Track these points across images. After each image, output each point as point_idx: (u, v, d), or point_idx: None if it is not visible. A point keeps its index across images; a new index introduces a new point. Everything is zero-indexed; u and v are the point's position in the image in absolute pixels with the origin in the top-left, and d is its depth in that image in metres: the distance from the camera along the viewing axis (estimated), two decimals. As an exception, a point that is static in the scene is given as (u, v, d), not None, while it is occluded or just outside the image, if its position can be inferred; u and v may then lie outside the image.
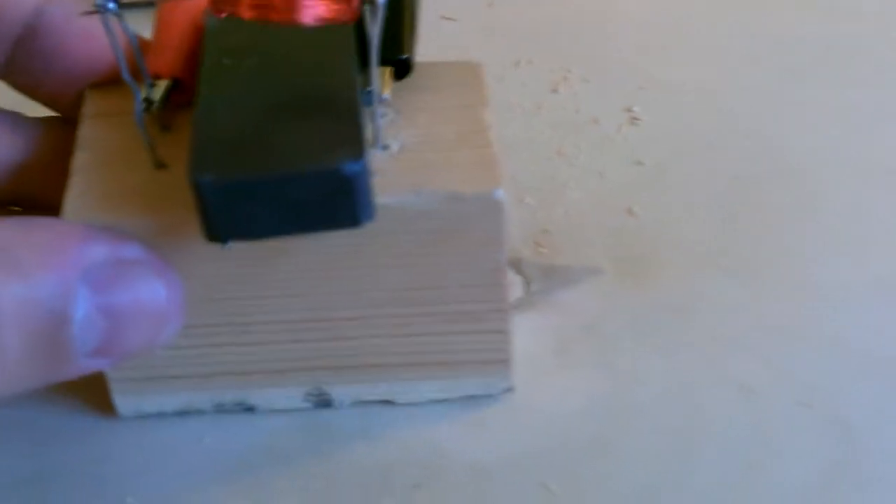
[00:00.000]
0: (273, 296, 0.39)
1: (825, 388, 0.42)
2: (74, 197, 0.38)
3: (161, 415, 0.42)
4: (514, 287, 0.46)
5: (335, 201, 0.35)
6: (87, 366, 0.35)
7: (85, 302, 0.34)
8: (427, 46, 0.42)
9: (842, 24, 0.61)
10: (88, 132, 0.40)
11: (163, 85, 0.40)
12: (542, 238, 0.49)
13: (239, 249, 0.36)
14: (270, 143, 0.35)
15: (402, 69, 0.40)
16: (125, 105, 0.41)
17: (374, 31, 0.36)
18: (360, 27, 0.38)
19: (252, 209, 0.35)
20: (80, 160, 0.39)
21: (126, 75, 0.37)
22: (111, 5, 0.36)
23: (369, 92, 0.38)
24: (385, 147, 0.38)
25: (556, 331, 0.45)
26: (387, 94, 0.38)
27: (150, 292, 0.36)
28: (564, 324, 0.45)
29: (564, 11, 0.63)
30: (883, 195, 0.50)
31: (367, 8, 0.36)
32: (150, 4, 0.42)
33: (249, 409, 0.42)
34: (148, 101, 0.39)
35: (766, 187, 0.51)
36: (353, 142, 0.35)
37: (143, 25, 0.41)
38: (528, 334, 0.44)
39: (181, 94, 0.40)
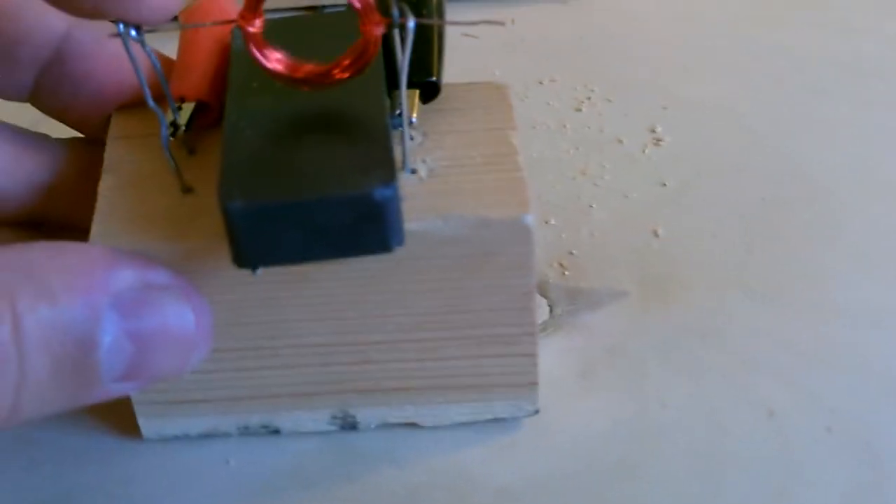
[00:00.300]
0: (300, 320, 0.39)
1: (850, 411, 0.42)
2: (101, 221, 0.38)
3: (186, 437, 0.42)
4: (539, 310, 0.46)
5: (365, 226, 0.35)
6: (114, 390, 0.35)
7: (113, 327, 0.34)
8: (449, 64, 0.42)
9: (865, 42, 0.61)
10: (115, 154, 0.40)
11: (188, 108, 0.40)
12: (567, 260, 0.48)
13: (267, 274, 0.36)
14: (300, 167, 0.35)
15: (429, 92, 0.40)
16: (151, 126, 0.41)
17: (404, 54, 0.36)
18: (387, 50, 0.38)
19: (282, 234, 0.35)
20: (107, 183, 0.39)
21: (150, 101, 0.37)
22: (133, 32, 0.36)
23: (398, 115, 0.38)
24: (413, 171, 0.38)
25: (581, 353, 0.45)
26: (415, 117, 0.38)
27: (179, 318, 0.35)
28: (589, 346, 0.45)
29: (586, 29, 0.63)
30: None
31: (395, 31, 0.36)
32: (174, 26, 0.42)
33: (275, 432, 0.42)
34: (174, 125, 0.39)
35: (791, 208, 0.51)
36: (384, 166, 0.35)
37: (168, 46, 0.42)
38: (553, 357, 0.44)
39: (207, 116, 0.40)
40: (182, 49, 0.41)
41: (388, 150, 0.35)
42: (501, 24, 0.37)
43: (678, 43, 0.61)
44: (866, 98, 0.57)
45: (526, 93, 0.58)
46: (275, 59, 0.37)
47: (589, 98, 0.57)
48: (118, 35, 0.35)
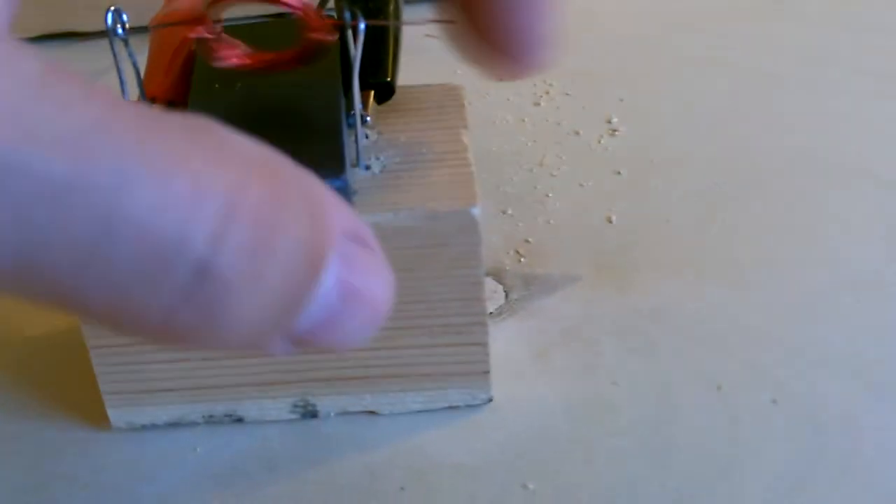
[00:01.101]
0: (261, 310, 0.40)
1: (798, 387, 0.44)
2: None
3: (153, 426, 0.43)
4: (495, 296, 0.48)
5: None
6: (284, 345, 0.28)
7: (335, 269, 0.28)
8: (411, 64, 0.43)
9: (817, 29, 0.63)
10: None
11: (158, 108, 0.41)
12: (523, 248, 0.50)
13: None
14: None
15: (384, 92, 0.42)
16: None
17: (356, 55, 0.38)
18: (344, 51, 0.40)
19: None
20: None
21: (127, 99, 0.39)
22: (119, 31, 0.37)
23: (352, 114, 0.39)
24: (367, 167, 0.40)
25: (536, 336, 0.46)
26: (369, 116, 0.40)
27: (382, 285, 0.29)
28: (544, 329, 0.47)
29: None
30: (858, 200, 0.52)
31: (348, 32, 0.38)
32: (144, 28, 0.43)
33: (239, 420, 0.43)
34: None
35: (743, 194, 0.52)
36: (334, 160, 0.36)
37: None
38: (508, 340, 0.46)
39: None
40: (152, 50, 0.43)
41: (340, 145, 0.37)
42: (453, 22, 0.39)
43: (638, 38, 0.63)
44: (819, 85, 0.59)
45: (487, 90, 0.59)
46: (233, 56, 0.38)
47: (547, 92, 0.59)
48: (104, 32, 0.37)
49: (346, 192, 0.36)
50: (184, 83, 0.42)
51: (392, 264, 0.39)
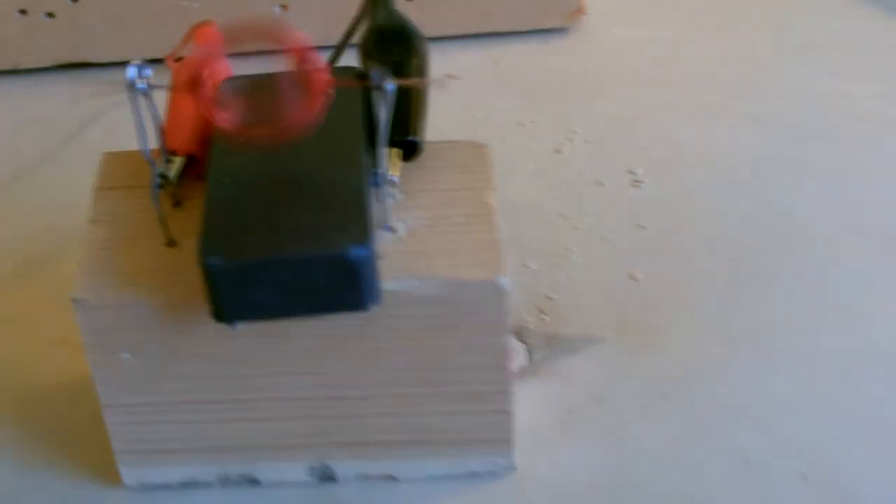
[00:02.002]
0: (279, 373, 0.39)
1: (826, 458, 0.42)
2: (86, 274, 0.38)
3: (166, 486, 0.42)
4: (518, 355, 0.47)
5: (341, 285, 0.35)
6: None
7: None
8: (432, 105, 0.42)
9: (851, 84, 0.62)
10: (102, 206, 0.41)
11: (178, 162, 0.41)
12: (546, 305, 0.49)
13: (246, 329, 0.37)
14: (279, 225, 0.36)
15: (410, 151, 0.41)
16: (138, 178, 0.42)
17: (383, 115, 0.37)
18: (368, 108, 0.39)
19: (259, 291, 0.35)
20: (94, 235, 0.40)
21: (147, 154, 0.38)
22: (141, 85, 0.37)
23: (377, 173, 0.38)
24: (392, 229, 0.39)
25: (559, 400, 0.45)
26: (395, 175, 0.39)
27: None
28: (567, 393, 0.46)
29: (568, 69, 0.63)
30: (889, 263, 0.50)
31: (376, 93, 0.37)
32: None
33: (254, 482, 0.42)
34: (164, 178, 0.40)
35: (769, 252, 0.51)
36: (360, 226, 0.35)
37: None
38: (531, 404, 0.45)
39: (195, 169, 0.41)
40: (172, 104, 0.42)
41: (365, 210, 0.36)
42: (444, 86, 0.38)
43: (659, 84, 0.62)
44: (851, 141, 0.58)
45: (506, 135, 0.58)
46: (223, 119, 0.37)
47: (570, 139, 0.58)
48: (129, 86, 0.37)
49: (371, 260, 0.35)
50: (204, 138, 0.42)
51: (415, 331, 0.38)
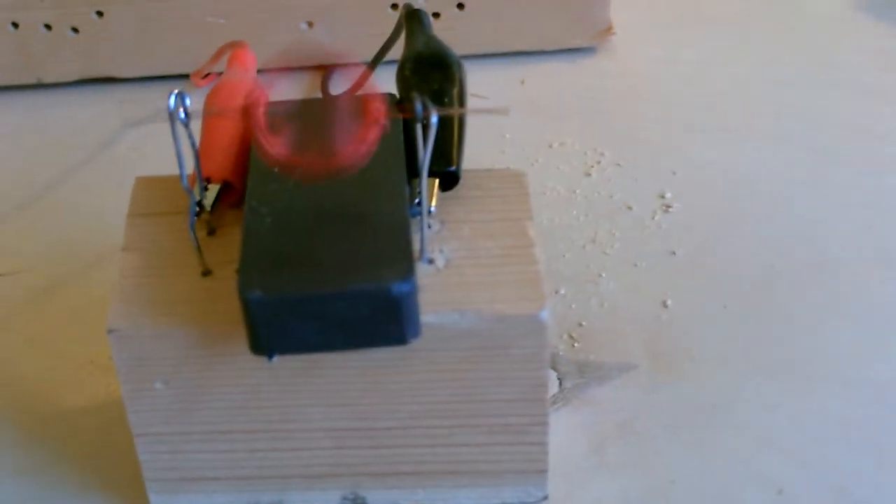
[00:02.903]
0: (314, 405, 0.39)
1: (860, 489, 0.42)
2: (122, 302, 0.38)
3: (197, 514, 0.42)
4: (549, 383, 0.46)
5: (382, 319, 0.35)
6: None
7: None
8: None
9: (880, 105, 0.61)
10: (134, 233, 0.41)
11: (214, 190, 0.40)
12: (577, 332, 0.49)
13: (282, 360, 0.37)
14: (319, 258, 0.36)
15: (449, 180, 0.40)
16: (170, 204, 0.42)
17: (426, 148, 0.36)
18: (408, 138, 0.39)
19: (299, 324, 0.35)
20: (127, 263, 0.40)
21: (185, 182, 0.38)
22: (181, 115, 0.36)
23: (417, 204, 0.38)
24: (430, 261, 0.38)
25: (591, 428, 0.45)
26: (433, 206, 0.39)
27: None
28: (599, 421, 0.45)
29: (595, 90, 0.63)
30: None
31: (418, 126, 0.37)
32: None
33: (286, 512, 0.42)
34: (199, 205, 0.40)
35: (800, 278, 0.51)
36: (402, 261, 0.35)
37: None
38: (563, 433, 0.44)
39: (229, 196, 0.41)
40: (206, 130, 0.42)
41: (407, 244, 0.36)
42: (505, 114, 0.38)
43: (686, 104, 0.62)
44: (881, 163, 0.57)
45: (536, 157, 0.58)
46: (275, 148, 0.37)
47: (599, 162, 0.58)
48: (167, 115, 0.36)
49: (412, 295, 0.35)
50: (240, 164, 0.41)
51: (453, 363, 0.38)
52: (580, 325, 0.49)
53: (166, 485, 0.41)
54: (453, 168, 0.40)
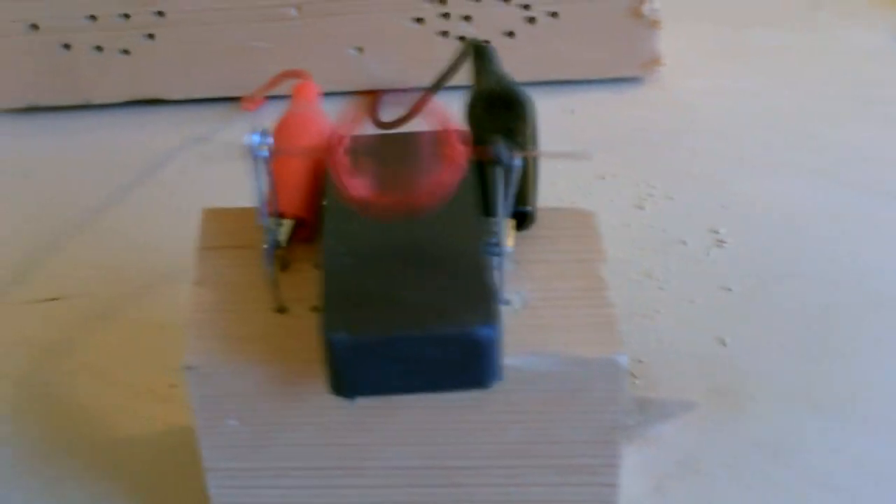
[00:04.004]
0: (389, 443, 0.39)
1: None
2: (198, 339, 0.38)
3: (268, 549, 0.42)
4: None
5: (465, 363, 0.35)
6: None
7: None
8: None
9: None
10: (206, 267, 0.41)
11: (288, 225, 0.40)
12: (637, 368, 0.49)
13: (361, 400, 0.37)
14: (402, 300, 0.36)
15: (523, 221, 0.40)
16: (240, 237, 0.42)
17: (508, 191, 0.36)
18: (482, 177, 0.39)
19: (381, 366, 0.35)
20: (200, 298, 0.40)
21: (265, 218, 0.38)
22: (263, 152, 0.37)
23: (493, 244, 0.38)
24: (506, 302, 0.39)
25: (653, 467, 0.45)
26: (510, 246, 0.39)
27: None
28: (660, 459, 0.45)
29: (643, 121, 0.63)
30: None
31: (497, 169, 0.37)
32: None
33: (356, 548, 0.42)
34: (274, 242, 0.40)
35: (858, 316, 0.51)
36: (487, 304, 0.35)
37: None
38: (626, 471, 0.44)
39: (302, 231, 0.41)
40: (278, 165, 0.42)
41: (490, 286, 0.36)
42: (589, 158, 0.38)
43: (735, 137, 0.62)
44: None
45: (589, 188, 0.58)
46: (358, 186, 0.37)
47: (650, 195, 0.58)
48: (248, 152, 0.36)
49: (496, 339, 0.35)
50: (312, 200, 0.41)
51: (530, 405, 0.38)
52: (639, 361, 0.49)
53: (238, 520, 0.41)
54: (529, 209, 0.40)
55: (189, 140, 0.64)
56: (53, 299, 0.54)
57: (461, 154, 0.36)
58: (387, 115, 0.62)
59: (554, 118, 0.63)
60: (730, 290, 0.53)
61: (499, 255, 0.38)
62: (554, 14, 0.64)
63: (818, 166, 0.60)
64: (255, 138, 0.37)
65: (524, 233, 0.41)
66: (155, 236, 0.58)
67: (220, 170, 0.62)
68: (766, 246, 0.55)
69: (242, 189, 0.57)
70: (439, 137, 0.36)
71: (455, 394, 0.37)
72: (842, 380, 0.48)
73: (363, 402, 0.38)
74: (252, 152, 0.37)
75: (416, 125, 0.40)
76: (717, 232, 0.56)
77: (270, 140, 0.37)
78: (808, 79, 0.66)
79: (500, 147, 0.36)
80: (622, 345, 0.37)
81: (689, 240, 0.55)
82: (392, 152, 0.40)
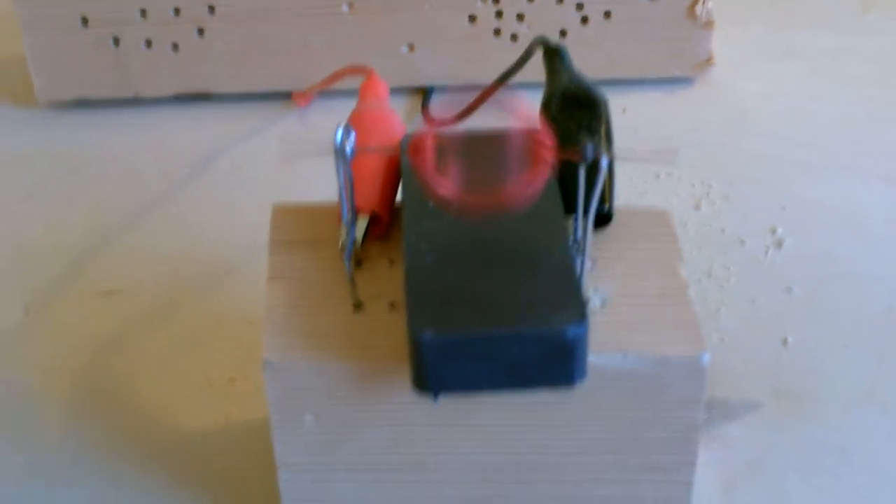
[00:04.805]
0: (466, 440, 0.39)
1: None
2: (276, 334, 0.38)
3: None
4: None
5: (552, 361, 0.35)
6: None
7: None
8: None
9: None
10: (280, 260, 0.41)
11: (363, 222, 0.40)
12: (701, 368, 0.49)
13: (443, 398, 0.37)
14: (489, 298, 0.35)
15: (602, 220, 0.40)
16: (312, 231, 0.42)
17: (594, 191, 0.36)
18: (562, 176, 0.39)
19: (467, 364, 0.35)
20: (276, 292, 0.40)
21: (347, 214, 0.38)
22: (348, 150, 0.36)
23: (575, 242, 0.38)
24: (587, 300, 0.38)
25: (721, 467, 0.45)
26: (590, 245, 0.39)
27: None
28: (728, 460, 0.45)
29: (697, 122, 0.63)
30: None
31: (581, 167, 0.37)
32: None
33: (426, 543, 0.42)
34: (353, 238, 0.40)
35: (919, 319, 0.51)
36: (576, 303, 0.35)
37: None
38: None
39: (377, 228, 0.41)
40: (354, 161, 0.42)
41: (577, 285, 0.36)
42: (671, 162, 0.38)
43: (790, 139, 0.62)
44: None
45: (645, 188, 0.58)
46: (445, 186, 0.37)
47: (707, 195, 0.58)
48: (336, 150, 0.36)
49: (585, 338, 0.35)
50: (386, 196, 0.41)
51: (611, 403, 0.38)
52: (705, 362, 0.49)
53: (310, 514, 0.41)
54: (607, 208, 0.40)
55: (240, 135, 0.64)
56: (109, 293, 0.54)
57: (549, 154, 0.36)
58: (440, 112, 0.62)
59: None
60: (790, 290, 0.52)
61: (581, 254, 0.38)
62: (607, 14, 0.64)
63: (875, 168, 0.60)
64: (339, 135, 0.37)
65: (600, 231, 0.41)
66: (209, 231, 0.58)
67: (272, 165, 0.62)
68: (826, 247, 0.55)
69: (295, 184, 0.58)
70: (526, 137, 0.36)
71: (538, 393, 0.37)
72: (905, 381, 0.48)
73: (445, 401, 0.37)
74: (337, 149, 0.37)
75: (502, 124, 0.40)
76: (775, 232, 0.55)
77: (353, 137, 0.37)
78: (861, 80, 0.66)
79: (589, 147, 0.36)
80: (705, 344, 0.37)
81: (747, 240, 0.55)
82: (479, 151, 0.40)
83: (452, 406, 0.38)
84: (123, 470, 0.46)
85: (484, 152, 0.40)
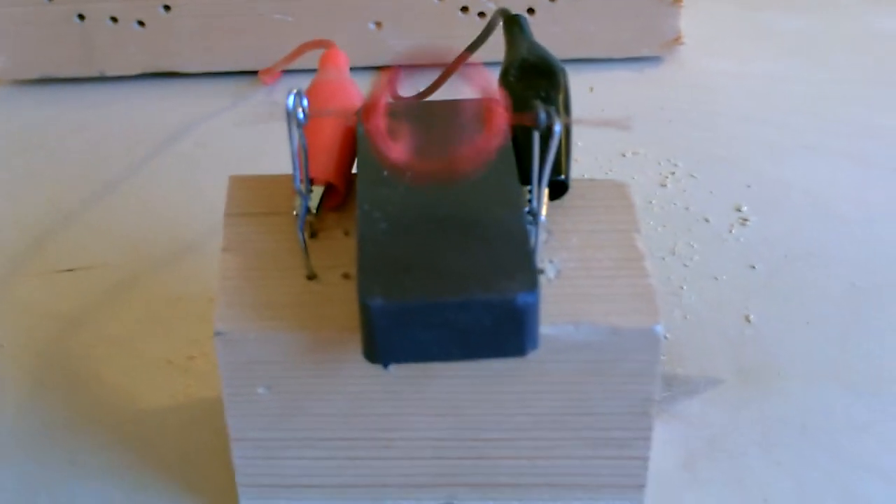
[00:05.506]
0: (420, 414, 0.39)
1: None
2: (227, 306, 0.38)
3: (289, 521, 0.42)
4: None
5: (504, 330, 0.35)
6: None
7: None
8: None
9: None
10: (234, 233, 0.40)
11: (318, 191, 0.40)
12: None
13: (394, 368, 0.36)
14: (440, 266, 0.35)
15: (558, 190, 0.40)
16: (267, 204, 0.41)
17: (546, 158, 0.36)
18: (517, 145, 0.38)
19: (417, 333, 0.35)
20: (229, 264, 0.39)
21: (298, 184, 0.38)
22: (300, 116, 0.36)
23: (529, 212, 0.38)
24: (540, 271, 0.38)
25: (682, 443, 0.45)
26: (544, 215, 0.38)
27: None
28: (689, 436, 0.45)
29: (665, 100, 0.63)
30: None
31: (536, 135, 0.36)
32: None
33: (381, 520, 0.42)
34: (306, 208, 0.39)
35: (883, 297, 0.51)
36: (527, 272, 0.35)
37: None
38: (655, 447, 0.44)
39: (332, 198, 0.41)
40: (309, 131, 0.41)
41: (530, 254, 0.35)
42: (626, 128, 0.38)
43: (757, 118, 0.62)
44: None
45: (611, 166, 0.58)
46: (398, 151, 0.36)
47: (673, 173, 0.58)
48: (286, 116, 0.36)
49: (536, 306, 0.34)
50: (342, 166, 0.41)
51: (564, 376, 0.38)
52: (665, 337, 0.48)
53: (260, 490, 0.41)
54: (563, 177, 0.40)
55: (206, 113, 0.64)
56: (70, 270, 0.54)
57: (502, 120, 0.35)
58: (406, 90, 0.61)
59: (573, 96, 0.62)
60: (754, 267, 0.52)
61: (535, 223, 0.37)
62: (575, -9, 0.63)
63: (842, 148, 0.59)
64: (291, 100, 0.36)
65: (557, 203, 0.40)
66: (172, 209, 0.58)
67: (236, 143, 0.61)
68: (791, 225, 0.55)
69: (259, 161, 0.57)
70: (480, 103, 0.36)
71: (488, 363, 0.37)
72: (869, 359, 0.48)
73: (395, 371, 0.37)
74: (289, 114, 0.36)
75: (457, 93, 0.40)
76: (740, 210, 0.55)
77: (306, 103, 0.37)
78: (829, 61, 0.66)
79: (542, 112, 0.35)
80: (659, 315, 0.37)
81: (712, 218, 0.55)
82: (431, 118, 0.40)
83: (405, 378, 0.38)
84: (82, 447, 0.45)
85: (437, 119, 0.39)
